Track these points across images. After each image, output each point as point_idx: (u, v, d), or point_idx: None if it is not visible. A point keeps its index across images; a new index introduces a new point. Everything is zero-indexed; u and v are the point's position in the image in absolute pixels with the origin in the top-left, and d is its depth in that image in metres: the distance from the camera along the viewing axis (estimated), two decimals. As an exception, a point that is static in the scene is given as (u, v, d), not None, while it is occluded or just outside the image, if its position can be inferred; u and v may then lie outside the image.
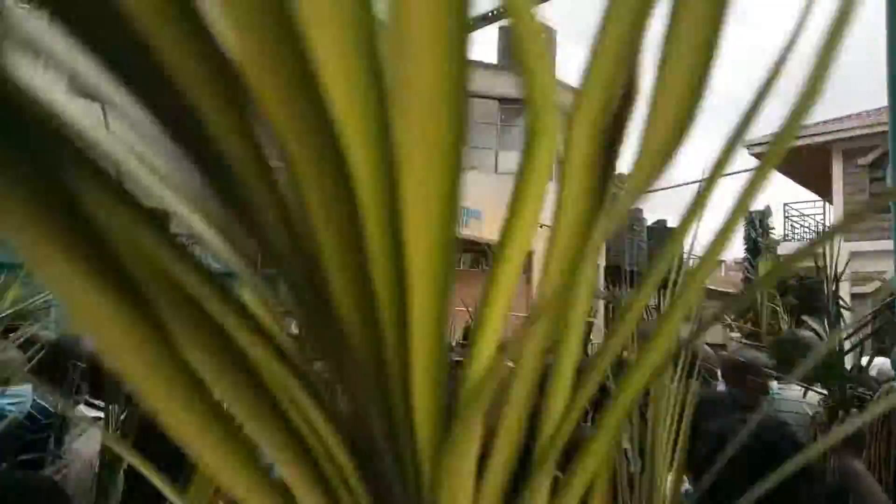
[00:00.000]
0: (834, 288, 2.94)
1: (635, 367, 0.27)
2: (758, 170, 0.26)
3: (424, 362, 0.24)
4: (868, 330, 2.73)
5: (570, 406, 0.27)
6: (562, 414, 0.27)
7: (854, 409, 2.04)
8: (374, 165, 0.21)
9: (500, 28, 16.48)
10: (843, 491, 1.76)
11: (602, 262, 17.28)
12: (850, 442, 1.80)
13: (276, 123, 0.19)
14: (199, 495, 0.45)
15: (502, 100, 16.43)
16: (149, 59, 0.18)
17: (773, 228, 21.19)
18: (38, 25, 0.19)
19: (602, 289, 16.53)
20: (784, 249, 15.25)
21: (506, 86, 16.42)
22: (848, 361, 2.54)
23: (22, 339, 2.40)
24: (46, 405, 2.38)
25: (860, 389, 2.21)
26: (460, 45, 0.21)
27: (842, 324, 2.64)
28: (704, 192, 0.27)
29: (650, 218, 21.46)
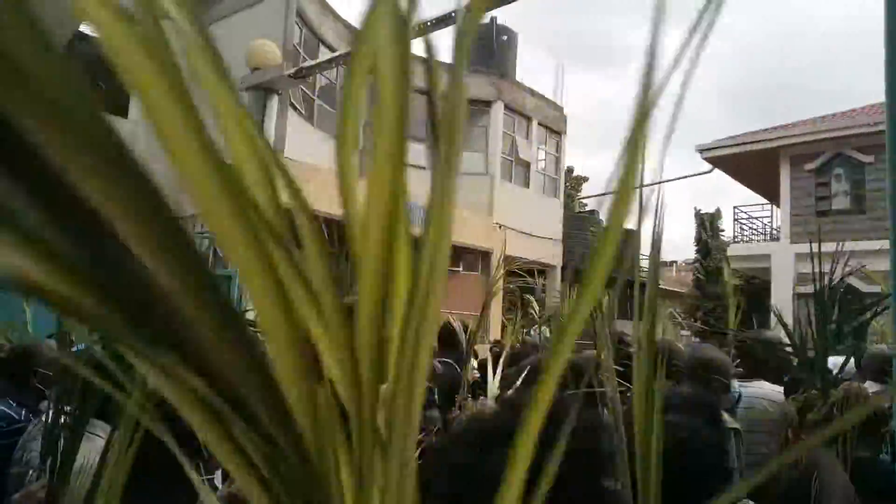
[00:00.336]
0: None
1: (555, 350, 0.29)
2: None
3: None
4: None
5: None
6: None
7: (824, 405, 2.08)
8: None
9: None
10: (806, 481, 1.83)
11: (559, 263, 17.50)
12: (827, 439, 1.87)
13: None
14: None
15: (463, 100, 16.45)
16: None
17: (722, 230, 21.80)
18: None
19: (559, 289, 16.71)
20: (733, 251, 15.72)
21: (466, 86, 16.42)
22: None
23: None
24: (11, 412, 2.29)
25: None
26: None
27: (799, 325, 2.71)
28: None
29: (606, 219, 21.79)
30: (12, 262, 0.18)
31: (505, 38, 17.41)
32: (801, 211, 13.68)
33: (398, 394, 0.27)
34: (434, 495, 0.67)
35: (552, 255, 17.66)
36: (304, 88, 12.64)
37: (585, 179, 31.28)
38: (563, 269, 17.31)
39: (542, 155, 18.31)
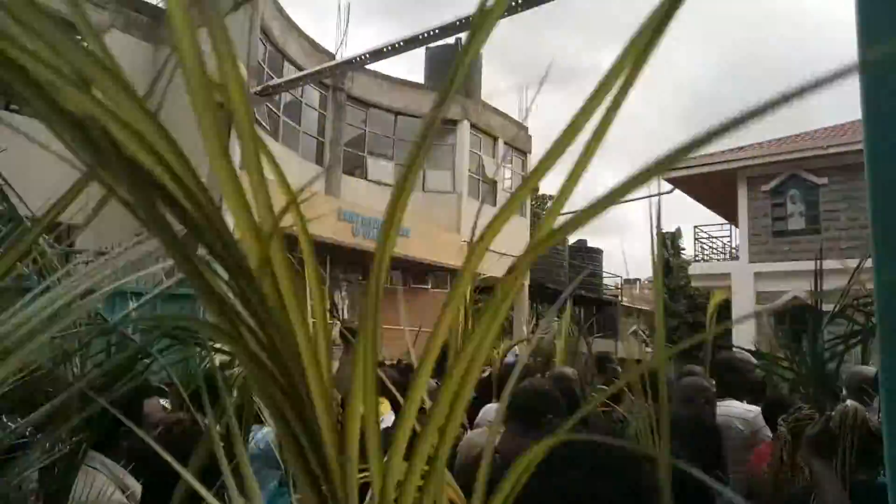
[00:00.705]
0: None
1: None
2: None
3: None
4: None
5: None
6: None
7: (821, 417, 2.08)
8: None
9: (428, 49, 16.67)
10: (805, 496, 1.85)
11: (526, 281, 17.61)
12: (820, 446, 1.89)
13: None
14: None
15: (430, 118, 16.55)
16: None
17: (683, 249, 22.26)
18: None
19: (527, 306, 16.81)
20: (694, 270, 16.04)
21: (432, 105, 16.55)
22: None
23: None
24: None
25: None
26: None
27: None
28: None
29: (571, 238, 22.07)
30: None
31: (471, 58, 17.61)
32: (758, 231, 14.07)
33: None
34: None
35: (520, 272, 17.69)
36: (268, 105, 12.55)
37: (551, 198, 31.67)
38: (530, 287, 17.42)
39: (508, 174, 18.49)
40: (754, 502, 2.28)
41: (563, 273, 19.66)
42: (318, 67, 6.83)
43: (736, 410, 2.86)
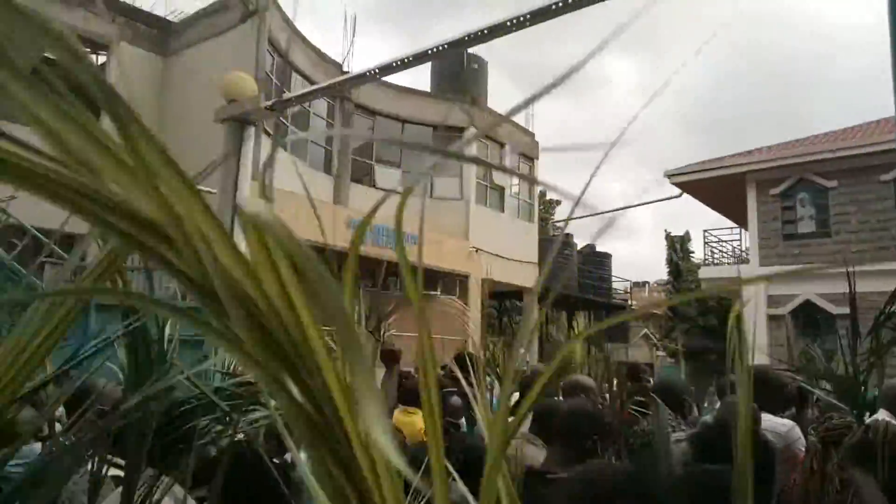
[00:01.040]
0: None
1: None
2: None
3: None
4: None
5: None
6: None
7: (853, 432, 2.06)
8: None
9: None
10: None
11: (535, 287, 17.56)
12: (860, 456, 1.88)
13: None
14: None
15: (436, 127, 16.60)
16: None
17: (692, 252, 22.17)
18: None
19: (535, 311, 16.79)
20: (704, 274, 15.96)
21: (439, 113, 16.62)
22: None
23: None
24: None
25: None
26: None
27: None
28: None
29: (580, 243, 22.03)
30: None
31: (475, 66, 17.68)
32: (768, 234, 13.98)
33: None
34: None
35: (529, 278, 17.74)
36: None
37: (558, 203, 31.65)
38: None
39: (515, 180, 18.50)
40: None
41: (572, 278, 19.62)
42: (327, 83, 6.87)
43: (768, 424, 2.83)
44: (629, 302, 25.53)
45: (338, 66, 14.91)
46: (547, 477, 1.71)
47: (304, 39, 14.03)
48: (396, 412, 3.39)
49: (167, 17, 14.39)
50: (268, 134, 11.87)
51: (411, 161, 16.45)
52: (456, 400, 3.37)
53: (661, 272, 24.57)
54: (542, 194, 25.99)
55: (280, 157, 12.60)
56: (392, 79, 16.41)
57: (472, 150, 17.13)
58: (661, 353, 21.21)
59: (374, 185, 15.51)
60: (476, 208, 16.37)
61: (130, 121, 0.26)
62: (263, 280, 0.29)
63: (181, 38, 13.74)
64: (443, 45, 4.26)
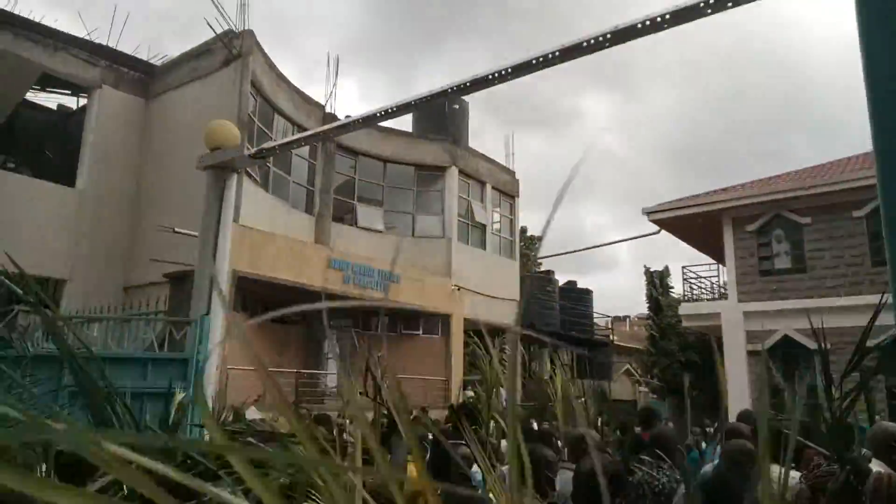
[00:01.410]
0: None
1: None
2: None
3: None
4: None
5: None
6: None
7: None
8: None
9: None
10: None
11: (517, 325, 17.55)
12: (842, 500, 1.90)
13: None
14: None
15: (418, 165, 16.76)
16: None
17: (672, 287, 22.35)
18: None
19: (518, 347, 16.74)
20: (684, 310, 16.08)
21: (421, 152, 16.81)
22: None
23: None
24: None
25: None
26: None
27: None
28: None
29: (561, 279, 22.15)
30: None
31: (456, 106, 17.99)
32: (746, 270, 14.18)
33: None
34: None
35: (511, 314, 17.72)
36: (259, 155, 12.67)
37: (539, 239, 31.89)
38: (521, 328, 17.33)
39: (496, 217, 18.65)
40: None
41: (554, 315, 19.64)
42: (310, 132, 6.95)
43: (773, 475, 2.83)
44: (611, 337, 25.57)
45: (320, 108, 15.08)
46: None
47: (287, 82, 14.20)
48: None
49: (150, 61, 14.51)
50: (249, 175, 11.89)
51: (393, 200, 16.55)
52: (465, 451, 3.31)
53: (640, 305, 24.72)
54: (524, 231, 26.20)
55: (261, 197, 12.61)
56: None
57: (454, 189, 17.24)
58: (643, 388, 21.16)
59: (355, 224, 15.53)
60: (458, 246, 16.44)
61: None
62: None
63: (164, 81, 13.84)
64: (425, 98, 4.35)
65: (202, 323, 5.09)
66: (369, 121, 4.98)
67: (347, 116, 5.96)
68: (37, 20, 12.63)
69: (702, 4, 3.15)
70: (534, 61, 3.70)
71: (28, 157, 13.72)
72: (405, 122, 18.11)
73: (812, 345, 12.33)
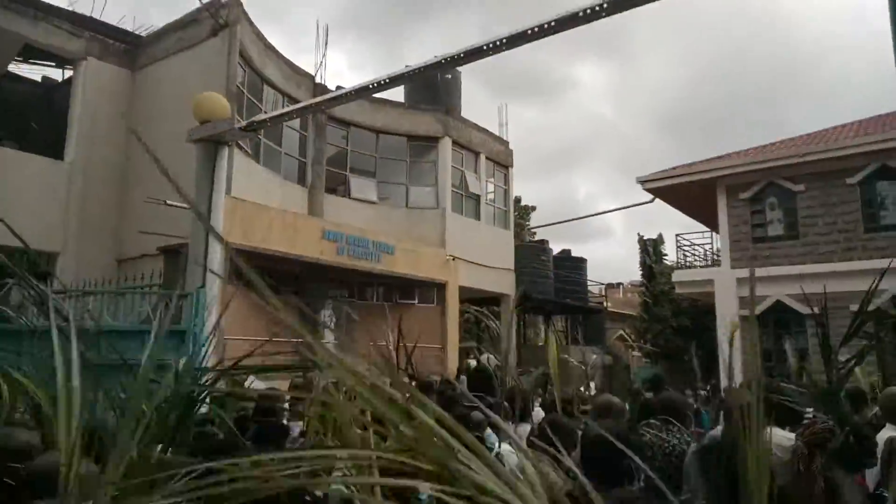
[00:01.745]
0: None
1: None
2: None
3: None
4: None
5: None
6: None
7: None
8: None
9: (405, 67, 16.72)
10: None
11: (512, 292, 17.65)
12: (842, 459, 1.93)
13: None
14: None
15: (410, 136, 16.62)
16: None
17: (665, 255, 22.47)
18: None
19: (513, 316, 16.82)
20: (677, 277, 16.19)
21: (414, 123, 16.66)
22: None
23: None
24: None
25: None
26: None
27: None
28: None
29: (556, 248, 22.19)
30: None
31: (449, 76, 17.77)
32: (739, 237, 14.24)
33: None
34: None
35: (505, 284, 17.80)
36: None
37: (533, 209, 31.85)
38: (516, 297, 17.44)
39: (490, 188, 18.59)
40: None
41: (548, 283, 19.73)
42: (302, 104, 6.83)
43: (775, 438, 2.86)
44: (605, 304, 25.75)
45: (310, 78, 14.87)
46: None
47: (275, 52, 13.97)
48: None
49: (136, 32, 14.23)
50: (240, 147, 11.77)
51: (386, 171, 16.44)
52: (477, 415, 3.38)
53: (634, 273, 24.89)
54: (518, 200, 26.16)
55: (253, 169, 12.50)
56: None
57: (448, 160, 17.16)
58: (636, 353, 21.41)
59: (348, 196, 15.46)
60: (452, 216, 16.41)
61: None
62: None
63: (150, 53, 13.59)
64: (419, 69, 4.29)
65: (198, 295, 5.10)
66: (362, 92, 4.92)
67: (339, 87, 5.89)
68: (18, -11, 12.33)
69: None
70: (529, 31, 3.64)
71: (14, 131, 13.52)
72: (397, 93, 17.88)
73: (804, 310, 12.47)
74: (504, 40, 3.76)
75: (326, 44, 15.59)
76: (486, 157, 18.23)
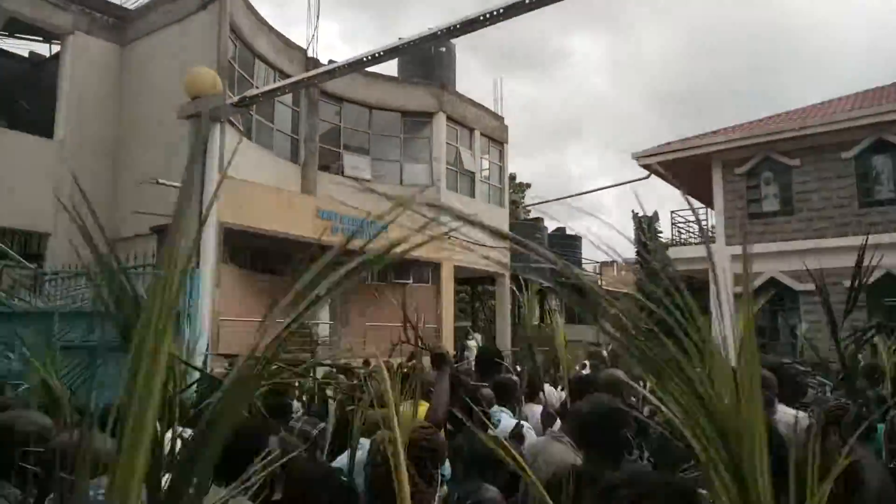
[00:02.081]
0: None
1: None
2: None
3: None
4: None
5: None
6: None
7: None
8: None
9: (400, 40, 16.50)
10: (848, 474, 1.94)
11: (508, 271, 17.66)
12: (861, 433, 1.98)
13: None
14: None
15: (404, 112, 16.48)
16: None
17: (661, 232, 22.51)
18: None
19: (508, 295, 16.87)
20: (672, 253, 16.20)
21: (407, 98, 16.50)
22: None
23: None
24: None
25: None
26: None
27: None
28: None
29: (550, 226, 22.19)
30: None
31: (443, 49, 17.56)
32: (733, 213, 14.24)
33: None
34: None
35: (501, 263, 17.80)
36: (242, 103, 12.37)
37: (528, 186, 31.79)
38: (511, 277, 17.47)
39: (485, 165, 18.50)
40: None
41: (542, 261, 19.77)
42: (295, 79, 6.74)
43: (783, 417, 2.87)
44: (599, 281, 25.84)
45: (302, 52, 14.68)
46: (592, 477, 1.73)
47: (267, 25, 13.76)
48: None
49: (124, 5, 13.98)
50: (231, 123, 11.65)
51: (379, 148, 16.32)
52: (487, 392, 3.53)
53: (629, 250, 25.03)
54: (513, 178, 26.06)
55: (246, 147, 12.38)
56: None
57: (442, 136, 17.03)
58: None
59: (342, 174, 15.36)
60: (447, 194, 16.35)
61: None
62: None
63: (139, 26, 13.36)
64: (414, 41, 4.23)
65: (192, 276, 5.07)
66: (356, 66, 4.85)
67: (331, 61, 5.81)
68: (2, -38, 12.06)
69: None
70: (526, 0, 3.59)
71: (1, 108, 13.33)
72: (390, 66, 17.66)
73: (798, 287, 12.52)
74: (501, 10, 3.70)
75: (318, 16, 15.38)
76: (481, 134, 18.10)
